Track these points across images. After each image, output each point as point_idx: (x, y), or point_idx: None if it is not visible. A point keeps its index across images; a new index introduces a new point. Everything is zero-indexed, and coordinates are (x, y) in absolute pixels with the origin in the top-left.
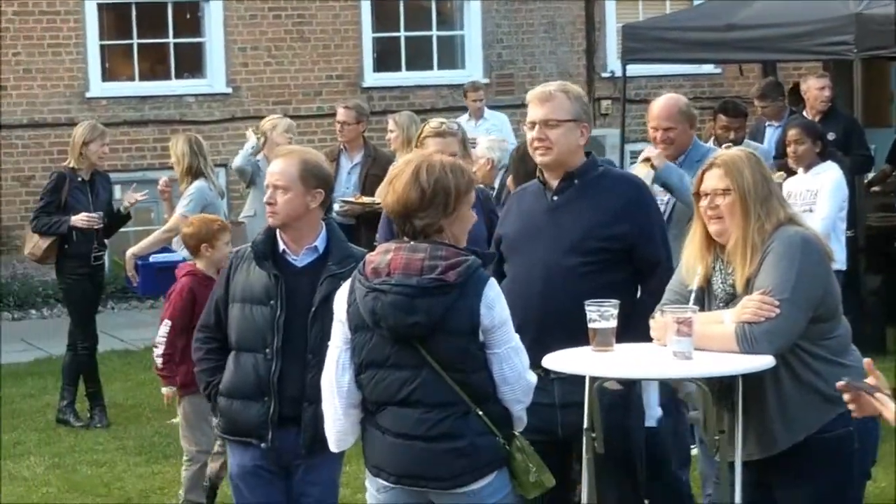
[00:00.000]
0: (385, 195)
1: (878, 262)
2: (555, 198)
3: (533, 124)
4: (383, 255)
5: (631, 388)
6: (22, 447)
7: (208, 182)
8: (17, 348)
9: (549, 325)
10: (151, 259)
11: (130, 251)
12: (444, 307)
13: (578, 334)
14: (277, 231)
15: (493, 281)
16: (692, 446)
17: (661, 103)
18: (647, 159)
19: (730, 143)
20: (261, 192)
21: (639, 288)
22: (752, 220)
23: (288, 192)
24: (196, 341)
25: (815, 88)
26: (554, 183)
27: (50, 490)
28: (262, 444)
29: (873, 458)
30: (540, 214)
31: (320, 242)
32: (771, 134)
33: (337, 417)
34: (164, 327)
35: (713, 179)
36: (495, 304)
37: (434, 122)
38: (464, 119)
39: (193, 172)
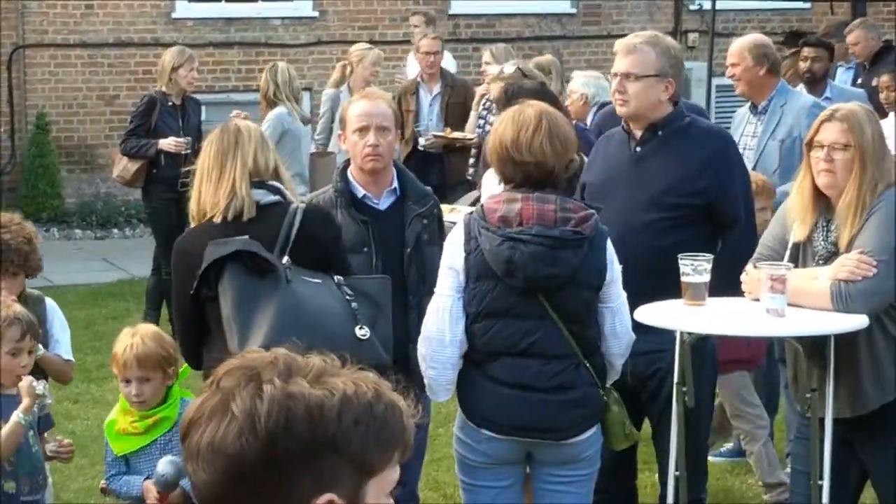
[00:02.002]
0: (517, 146)
1: None
2: (638, 149)
3: (615, 75)
4: (508, 203)
5: (706, 340)
6: (105, 370)
7: (288, 108)
8: (99, 268)
9: (627, 276)
10: None
11: None
12: (580, 260)
13: (661, 285)
14: (350, 173)
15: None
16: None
17: (736, 42)
18: None
19: (810, 74)
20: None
21: (718, 243)
22: (867, 179)
23: (389, 135)
24: None
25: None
26: (638, 133)
27: None
28: None
29: None
30: (623, 164)
31: (397, 183)
32: (841, 74)
33: (449, 366)
34: None
35: (833, 132)
36: (614, 258)
37: None
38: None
39: (269, 100)
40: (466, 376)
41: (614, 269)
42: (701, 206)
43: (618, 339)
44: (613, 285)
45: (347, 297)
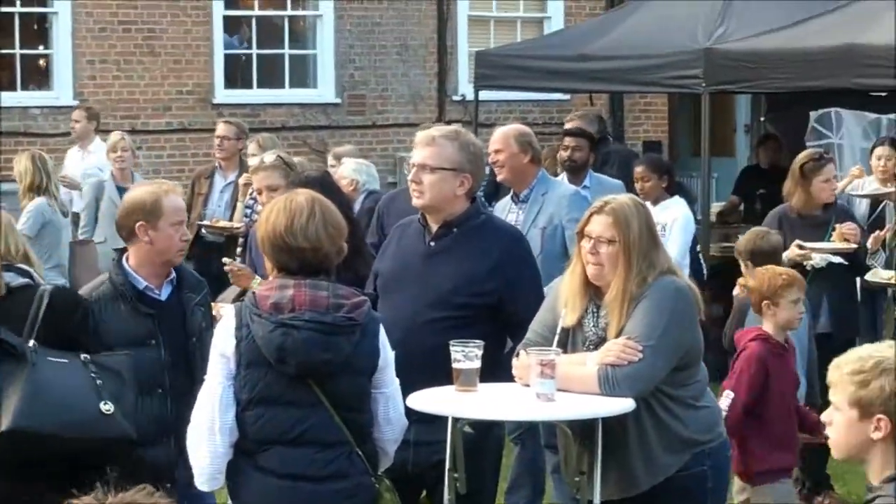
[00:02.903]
0: (291, 233)
1: (720, 292)
2: (432, 244)
3: (413, 165)
4: (281, 290)
5: (489, 429)
6: None
7: (48, 199)
8: None
9: (407, 371)
10: None
11: None
12: (352, 346)
13: (436, 381)
14: (128, 265)
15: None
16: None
17: (500, 129)
18: None
19: (571, 163)
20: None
21: (507, 343)
22: (634, 272)
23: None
24: None
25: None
26: (433, 227)
27: None
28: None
29: (725, 498)
30: (416, 258)
31: (174, 273)
32: None
33: (216, 455)
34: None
35: (599, 225)
36: (386, 343)
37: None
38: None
39: (35, 189)
40: (237, 466)
41: (387, 354)
42: (489, 305)
43: (391, 426)
44: (386, 371)
45: (93, 374)
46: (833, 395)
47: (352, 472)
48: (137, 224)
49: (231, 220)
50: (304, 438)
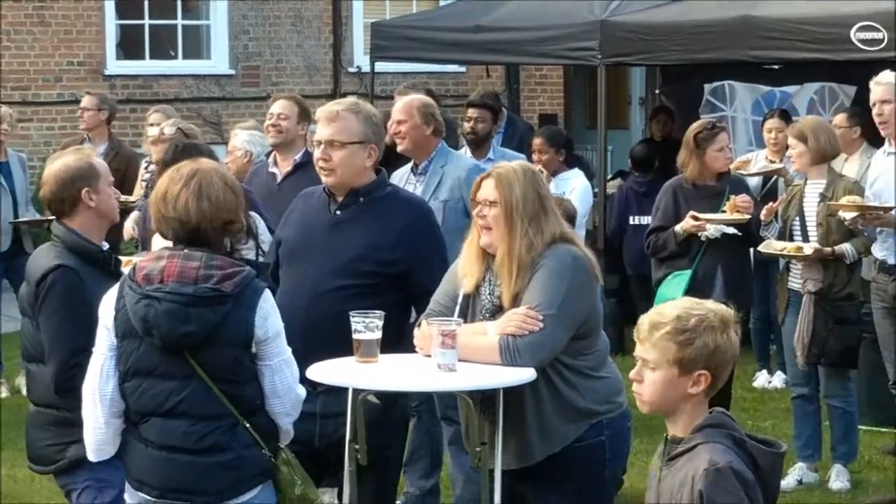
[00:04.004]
0: (165, 201)
1: (615, 263)
2: (338, 212)
3: (319, 143)
4: (156, 261)
5: (394, 400)
6: None
7: None
8: None
9: (313, 339)
10: None
11: None
12: (219, 317)
13: (342, 349)
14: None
15: (267, 292)
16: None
17: (403, 100)
18: None
19: (474, 135)
20: None
21: (411, 313)
22: (518, 235)
23: None
24: None
25: None
26: (339, 197)
27: None
28: None
29: (623, 466)
30: (320, 226)
31: None
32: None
33: (98, 427)
34: None
35: (485, 189)
36: (269, 315)
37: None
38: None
39: None
40: (125, 437)
41: (269, 326)
42: (394, 274)
43: (279, 399)
44: (271, 343)
45: None
46: (647, 353)
47: (234, 445)
48: (84, 191)
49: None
50: (180, 410)
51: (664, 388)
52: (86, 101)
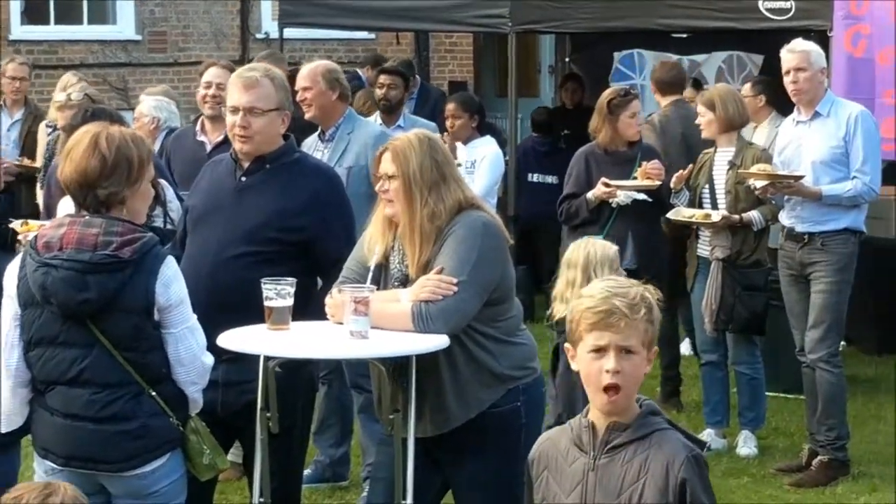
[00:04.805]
0: (62, 166)
1: (525, 232)
2: (243, 178)
3: (235, 109)
4: (56, 228)
5: (300, 368)
6: None
7: None
8: None
9: (216, 306)
10: None
11: None
12: (118, 284)
13: (247, 317)
14: None
15: (170, 259)
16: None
17: (307, 66)
18: None
19: (387, 102)
20: None
21: (317, 282)
22: (419, 205)
23: None
24: None
25: None
26: (245, 163)
27: None
28: None
29: (540, 431)
30: (226, 193)
31: None
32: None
33: (5, 397)
34: None
35: (384, 163)
36: (172, 282)
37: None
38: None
39: None
40: (32, 406)
41: (171, 293)
42: (300, 242)
43: (184, 367)
44: (174, 311)
45: None
46: (627, 339)
47: (139, 414)
48: None
49: (21, 157)
50: (83, 378)
51: (641, 373)
52: (13, 69)
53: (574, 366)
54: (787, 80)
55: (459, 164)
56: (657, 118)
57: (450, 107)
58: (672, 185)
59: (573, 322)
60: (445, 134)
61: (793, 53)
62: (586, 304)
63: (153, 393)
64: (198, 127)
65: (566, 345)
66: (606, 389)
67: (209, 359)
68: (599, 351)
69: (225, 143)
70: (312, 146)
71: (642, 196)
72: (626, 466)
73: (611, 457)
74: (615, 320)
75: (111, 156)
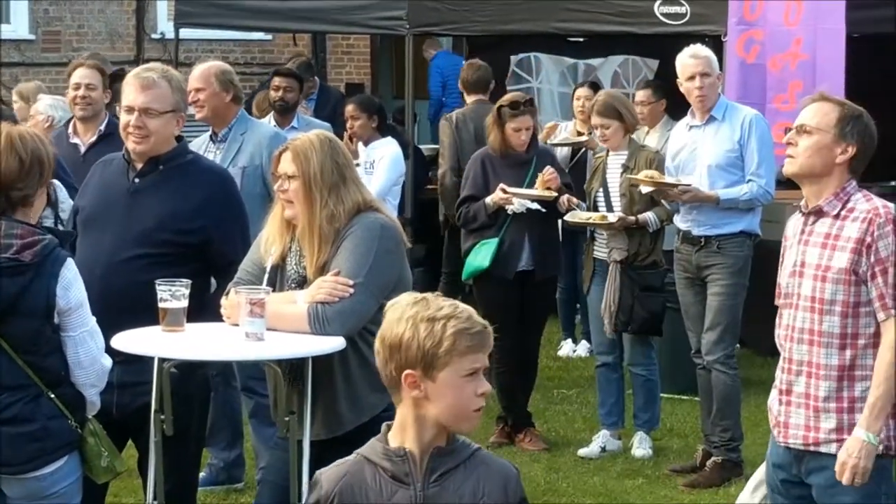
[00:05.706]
0: None
1: (424, 232)
2: (136, 180)
3: (131, 109)
4: None
5: (195, 370)
6: None
7: None
8: None
9: (111, 309)
10: None
11: None
12: (18, 288)
13: (141, 319)
14: None
15: (70, 261)
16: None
17: (200, 67)
18: None
19: (282, 104)
20: None
21: (211, 284)
22: (319, 206)
23: None
24: None
25: None
26: (138, 164)
27: None
28: None
29: None
30: (118, 195)
31: None
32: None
33: None
34: None
35: (284, 163)
36: (72, 285)
37: None
38: None
39: None
40: None
41: (71, 296)
42: (195, 244)
43: (84, 370)
44: (73, 313)
45: None
46: (477, 363)
47: (38, 416)
48: None
49: None
50: None
51: None
52: None
53: (417, 393)
54: (690, 85)
55: (358, 164)
56: (455, 115)
57: (349, 108)
58: (560, 206)
59: (434, 346)
60: (345, 134)
61: (697, 59)
62: (458, 326)
63: (52, 395)
64: (70, 129)
65: (406, 372)
66: (476, 411)
67: (108, 361)
68: (474, 374)
69: (99, 144)
70: (203, 146)
71: (535, 206)
72: (460, 492)
73: (440, 484)
74: (488, 339)
75: (28, 157)
